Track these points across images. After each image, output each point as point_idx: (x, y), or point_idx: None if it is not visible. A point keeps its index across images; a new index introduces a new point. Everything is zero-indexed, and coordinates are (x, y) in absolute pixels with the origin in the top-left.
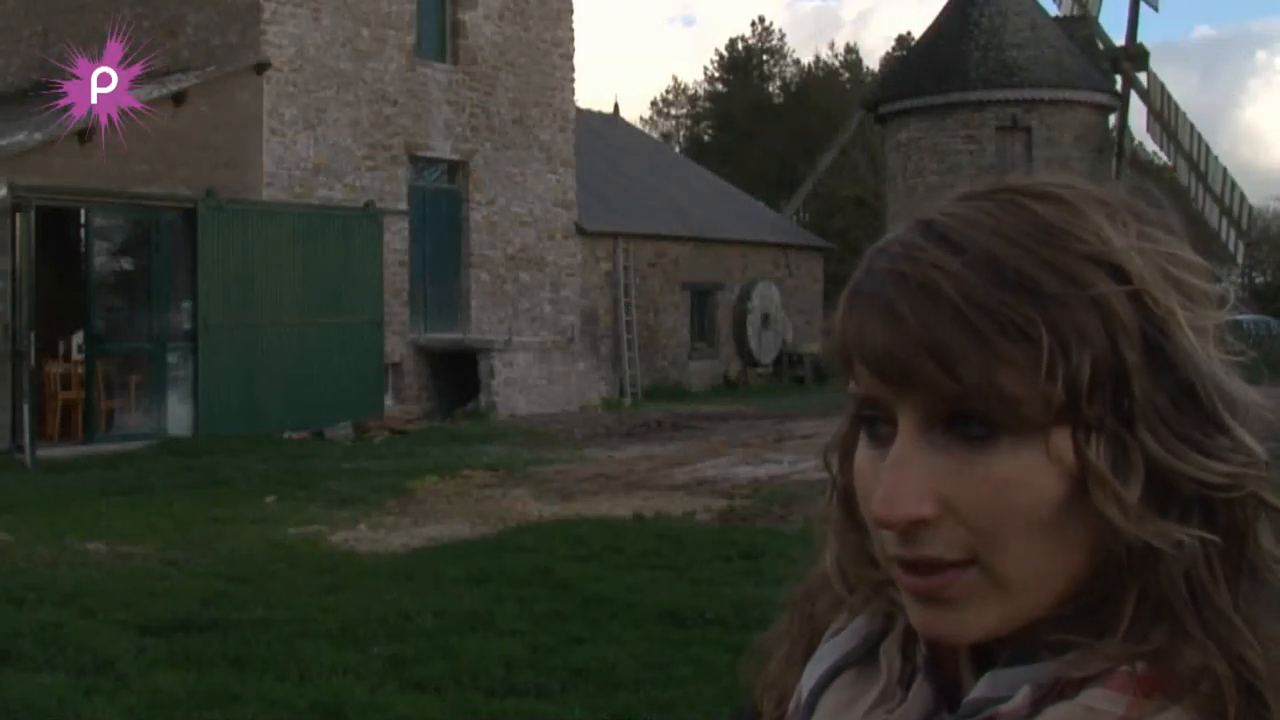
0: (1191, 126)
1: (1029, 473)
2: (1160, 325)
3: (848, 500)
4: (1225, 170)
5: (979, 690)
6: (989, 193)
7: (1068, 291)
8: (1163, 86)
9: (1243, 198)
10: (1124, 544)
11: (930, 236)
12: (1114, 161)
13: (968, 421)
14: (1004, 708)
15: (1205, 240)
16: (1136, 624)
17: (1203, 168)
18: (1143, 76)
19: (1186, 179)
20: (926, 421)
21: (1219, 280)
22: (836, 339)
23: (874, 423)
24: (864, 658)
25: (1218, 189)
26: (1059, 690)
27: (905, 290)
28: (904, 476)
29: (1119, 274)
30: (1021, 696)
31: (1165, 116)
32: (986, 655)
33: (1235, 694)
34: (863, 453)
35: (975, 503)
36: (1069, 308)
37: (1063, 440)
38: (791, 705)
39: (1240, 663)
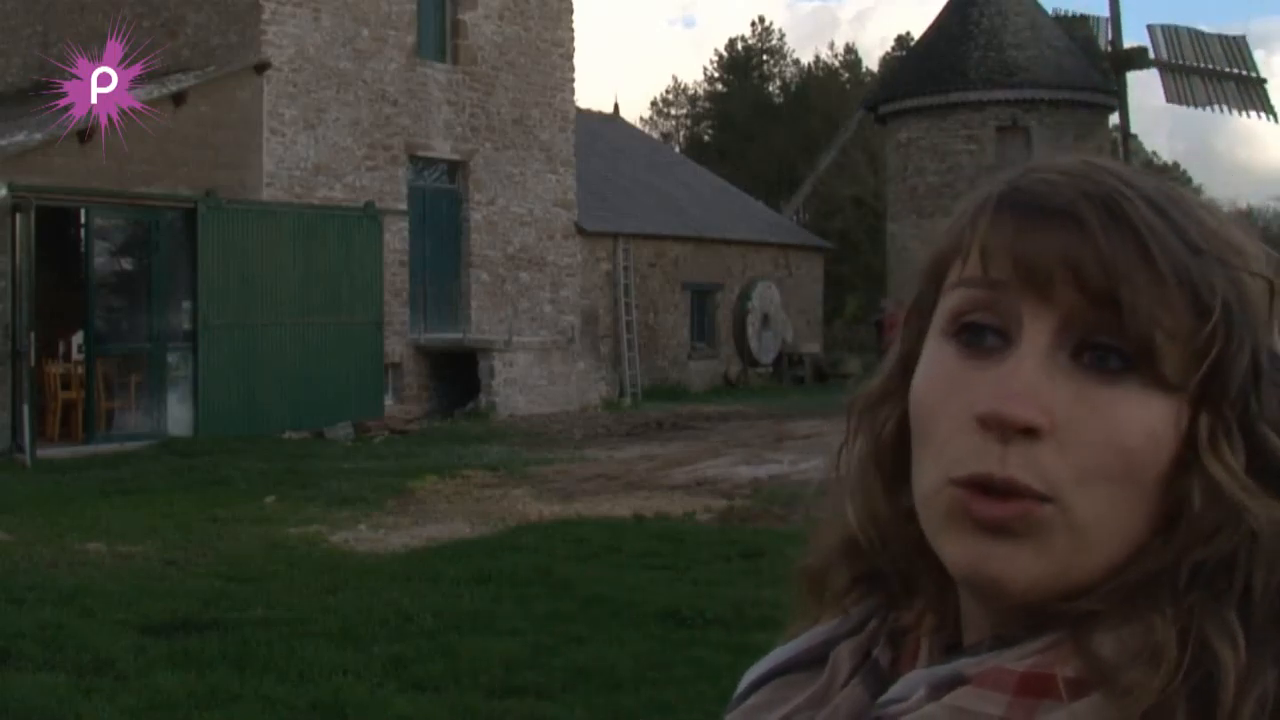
0: (1196, 34)
1: (1150, 423)
2: (1273, 330)
3: (880, 450)
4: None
5: (891, 691)
6: (1126, 163)
7: (1215, 257)
8: (1175, 31)
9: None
10: (1190, 524)
11: (1097, 168)
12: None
13: (1103, 354)
14: (895, 709)
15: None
16: (1111, 593)
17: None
18: (1148, 73)
19: (1229, 93)
20: (1059, 338)
21: None
22: (977, 230)
23: (979, 332)
24: (815, 662)
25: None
26: (953, 689)
27: (1091, 203)
28: (1027, 381)
29: (1244, 261)
30: (915, 698)
31: (1184, 59)
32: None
33: (1172, 670)
34: (946, 360)
35: (1089, 432)
36: (1222, 280)
37: (1184, 409)
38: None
39: (1199, 650)
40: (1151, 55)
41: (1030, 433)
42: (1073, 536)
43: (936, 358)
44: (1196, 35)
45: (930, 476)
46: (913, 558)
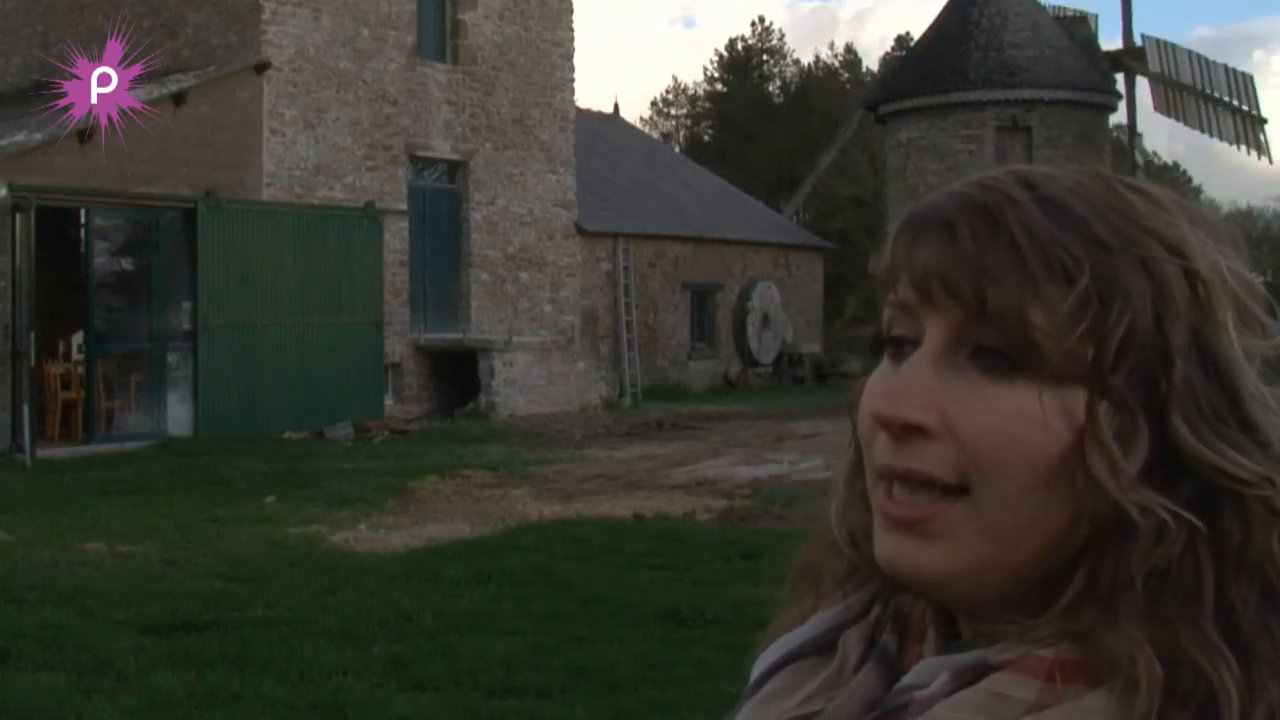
0: (1199, 58)
1: (1035, 412)
2: (1213, 325)
3: (859, 447)
4: (1250, 78)
5: (908, 678)
6: (1083, 169)
7: (1123, 247)
8: (1171, 47)
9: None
10: (1100, 517)
11: (1011, 176)
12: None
13: (993, 354)
14: (919, 694)
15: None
16: (1078, 603)
17: (1224, 95)
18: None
19: (1203, 114)
20: (952, 342)
21: (1275, 317)
22: (886, 254)
23: (901, 343)
24: (824, 648)
25: (1242, 104)
26: (978, 677)
27: (967, 211)
28: (913, 381)
29: (1178, 255)
30: (938, 684)
31: (1170, 74)
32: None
33: (1154, 694)
34: (882, 368)
35: (980, 427)
36: (1119, 265)
37: (1076, 398)
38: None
39: (1189, 670)
40: (1148, 66)
41: (921, 430)
42: (983, 533)
43: (879, 367)
44: (1199, 59)
45: (870, 473)
46: None
